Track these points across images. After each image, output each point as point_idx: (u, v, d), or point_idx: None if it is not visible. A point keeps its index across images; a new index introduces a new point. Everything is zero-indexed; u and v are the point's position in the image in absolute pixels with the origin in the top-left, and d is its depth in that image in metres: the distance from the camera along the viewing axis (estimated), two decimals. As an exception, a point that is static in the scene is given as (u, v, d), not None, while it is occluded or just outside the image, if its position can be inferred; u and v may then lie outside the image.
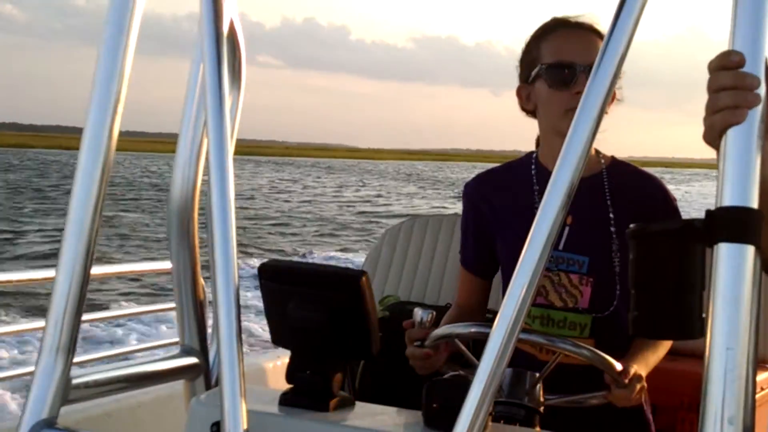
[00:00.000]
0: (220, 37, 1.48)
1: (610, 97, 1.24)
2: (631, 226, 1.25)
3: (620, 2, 1.22)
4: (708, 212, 1.14)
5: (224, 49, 1.48)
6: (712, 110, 1.23)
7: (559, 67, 2.36)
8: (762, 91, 1.17)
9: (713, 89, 1.24)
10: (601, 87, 1.23)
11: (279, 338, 1.74)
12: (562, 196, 1.21)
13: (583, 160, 1.23)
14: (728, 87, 1.20)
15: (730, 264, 1.10)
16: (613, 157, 2.51)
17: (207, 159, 1.45)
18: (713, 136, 1.21)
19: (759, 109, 1.17)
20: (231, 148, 1.50)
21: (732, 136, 1.16)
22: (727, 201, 1.12)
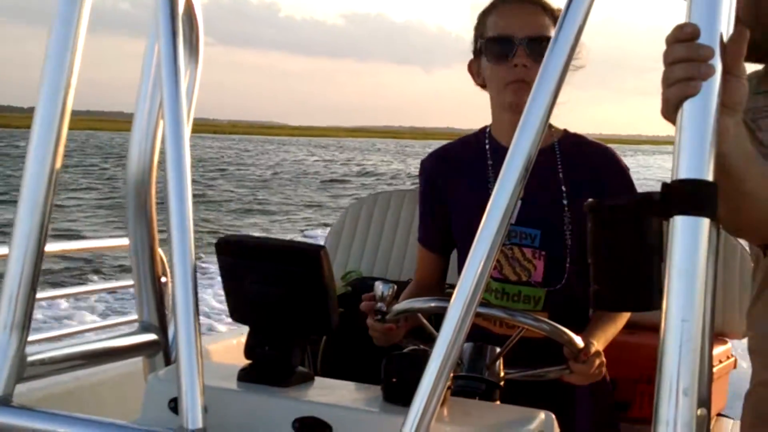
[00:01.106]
0: (175, 12, 1.46)
1: (567, 69, 1.24)
2: (589, 200, 1.25)
3: None
4: (664, 185, 1.15)
5: (179, 24, 1.46)
6: (667, 83, 1.23)
7: (497, 40, 2.38)
8: (717, 62, 1.17)
9: (668, 62, 1.24)
10: (559, 59, 1.23)
11: (237, 313, 1.73)
12: (520, 169, 1.21)
13: (540, 133, 1.22)
14: (682, 59, 1.20)
15: (686, 236, 1.10)
16: (565, 130, 2.52)
17: (163, 136, 1.44)
18: (669, 109, 1.21)
19: (715, 81, 1.17)
20: (188, 124, 1.49)
21: (687, 108, 1.16)
22: (683, 174, 1.12)
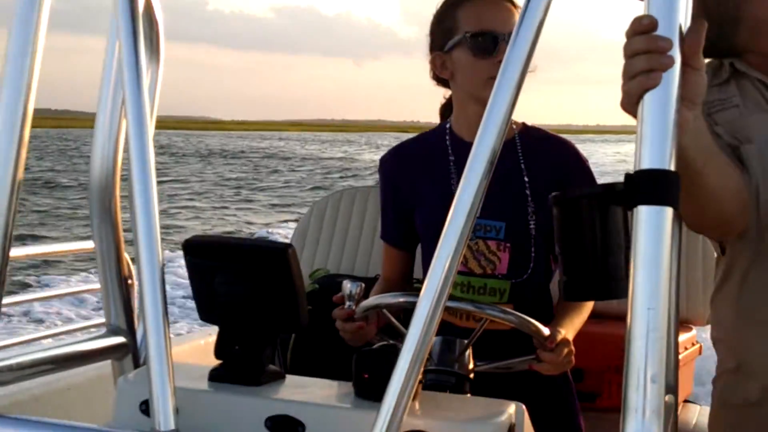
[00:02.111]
0: (135, 12, 1.45)
1: (529, 64, 1.25)
2: (554, 193, 1.26)
3: None
4: (627, 175, 1.16)
5: (140, 24, 1.46)
6: (628, 76, 1.24)
7: (481, 35, 2.37)
8: (676, 53, 1.18)
9: (628, 55, 1.25)
10: (520, 54, 1.24)
11: (206, 314, 1.73)
12: (484, 164, 1.22)
13: (504, 127, 1.23)
14: (641, 51, 1.21)
15: (649, 226, 1.12)
16: (524, 123, 2.54)
17: (126, 136, 1.43)
18: (631, 101, 1.22)
19: (675, 73, 1.18)
20: (151, 125, 1.49)
21: (648, 100, 1.18)
22: (646, 164, 1.14)
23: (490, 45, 2.36)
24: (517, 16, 2.39)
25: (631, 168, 1.16)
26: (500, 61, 2.27)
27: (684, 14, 1.19)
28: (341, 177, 41.14)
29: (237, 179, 39.03)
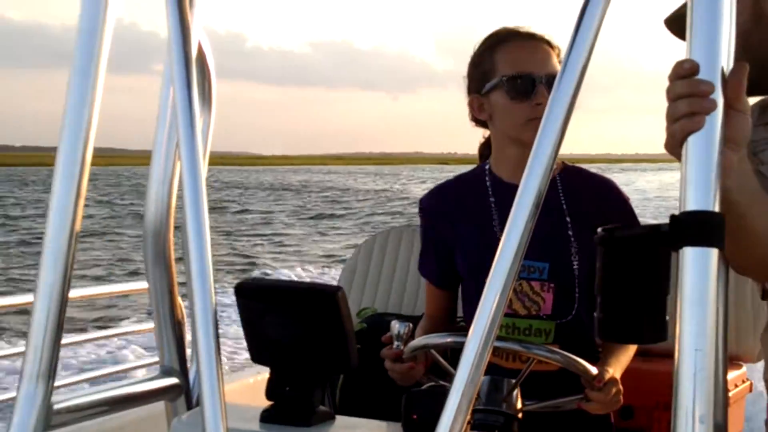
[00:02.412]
0: (189, 61, 1.49)
1: (574, 106, 1.27)
2: (599, 232, 1.27)
3: (581, 12, 1.25)
4: (672, 217, 1.17)
5: (193, 72, 1.49)
6: (671, 119, 1.26)
7: (519, 78, 2.38)
8: (718, 97, 1.20)
9: (671, 98, 1.27)
10: (565, 97, 1.25)
11: (258, 356, 1.76)
12: (530, 206, 1.23)
13: (549, 169, 1.25)
14: (684, 95, 1.23)
15: (695, 267, 1.13)
16: (564, 163, 2.54)
17: (180, 179, 1.46)
18: (675, 144, 1.24)
19: (718, 115, 1.20)
20: (204, 169, 1.52)
21: (692, 142, 1.19)
22: (691, 206, 1.15)
23: (527, 88, 2.37)
24: (553, 58, 2.42)
25: (672, 194, 1.18)
26: (538, 104, 2.32)
27: (726, 57, 1.21)
28: (409, 204, 42.91)
29: (312, 209, 41.75)
